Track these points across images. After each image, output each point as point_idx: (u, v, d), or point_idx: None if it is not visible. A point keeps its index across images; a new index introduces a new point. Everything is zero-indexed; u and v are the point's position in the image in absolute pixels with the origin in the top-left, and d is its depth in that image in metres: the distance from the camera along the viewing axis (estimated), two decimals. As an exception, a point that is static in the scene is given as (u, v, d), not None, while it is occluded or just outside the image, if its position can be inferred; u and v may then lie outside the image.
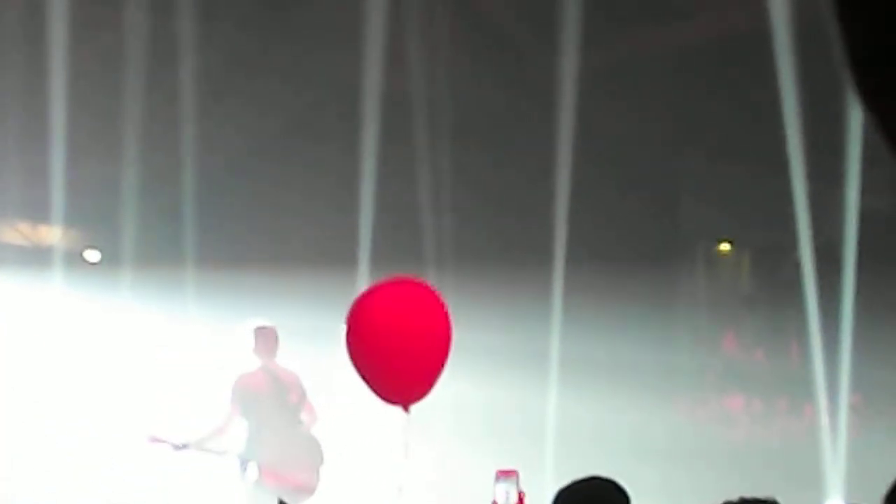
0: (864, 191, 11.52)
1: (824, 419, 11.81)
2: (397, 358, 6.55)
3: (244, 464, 9.36)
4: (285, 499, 6.95)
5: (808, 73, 11.17)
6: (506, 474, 4.87)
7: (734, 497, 4.37)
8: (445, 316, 6.74)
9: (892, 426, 11.71)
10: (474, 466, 8.86)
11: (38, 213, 12.05)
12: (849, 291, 11.52)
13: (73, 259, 12.26)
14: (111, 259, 12.18)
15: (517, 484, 4.81)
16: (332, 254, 11.81)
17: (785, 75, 11.25)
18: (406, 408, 6.58)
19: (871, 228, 11.50)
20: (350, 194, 11.59)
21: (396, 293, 6.80)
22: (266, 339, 9.59)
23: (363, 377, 6.65)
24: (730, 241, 13.98)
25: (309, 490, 9.37)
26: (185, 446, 9.31)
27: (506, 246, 12.38)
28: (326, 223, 12.19)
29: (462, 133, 12.41)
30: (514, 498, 4.77)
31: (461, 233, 12.52)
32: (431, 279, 11.79)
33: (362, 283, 10.88)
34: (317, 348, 10.05)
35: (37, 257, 12.03)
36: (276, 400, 9.46)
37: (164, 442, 9.34)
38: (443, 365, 6.70)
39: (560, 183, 11.81)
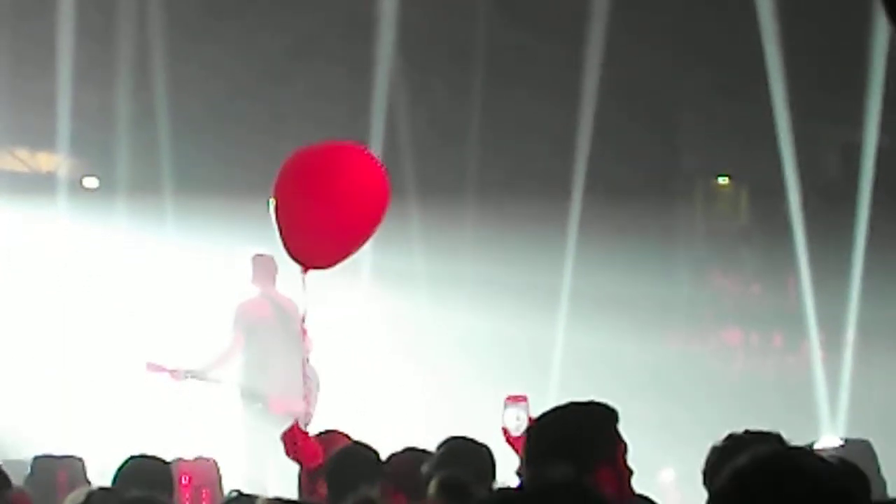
0: (868, 128, 11.53)
1: (817, 352, 11.88)
2: (307, 211, 5.90)
3: (249, 392, 9.19)
4: (286, 426, 6.88)
5: (815, 12, 11.16)
6: (515, 399, 4.85)
7: (736, 429, 4.39)
8: (379, 184, 6.06)
9: (888, 361, 11.76)
10: (483, 394, 8.87)
11: (37, 140, 12.00)
12: (860, 228, 11.55)
13: (73, 186, 12.19)
14: (109, 186, 12.11)
15: (527, 409, 4.80)
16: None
17: (779, 14, 11.27)
18: (305, 269, 5.97)
19: (876, 165, 11.52)
20: (363, 121, 11.44)
21: (334, 153, 6.19)
22: (265, 267, 9.35)
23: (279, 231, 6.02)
24: (728, 176, 13.98)
25: (308, 418, 9.28)
26: (187, 375, 9.08)
27: (516, 178, 12.31)
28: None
29: (489, 67, 12.35)
30: (525, 423, 4.75)
31: (479, 163, 12.48)
32: (445, 211, 11.80)
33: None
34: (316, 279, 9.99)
35: (36, 184, 11.97)
36: (280, 328, 9.25)
37: (163, 371, 9.10)
38: (360, 237, 6.04)
39: (582, 117, 11.79)
